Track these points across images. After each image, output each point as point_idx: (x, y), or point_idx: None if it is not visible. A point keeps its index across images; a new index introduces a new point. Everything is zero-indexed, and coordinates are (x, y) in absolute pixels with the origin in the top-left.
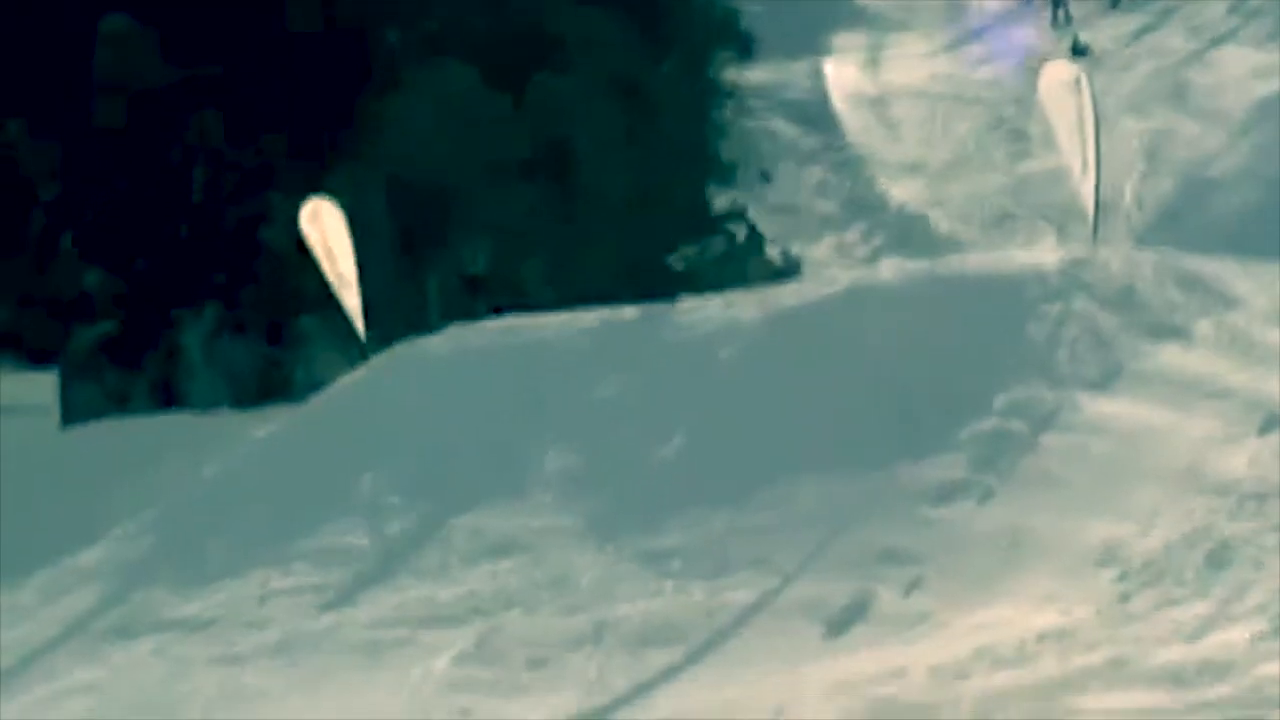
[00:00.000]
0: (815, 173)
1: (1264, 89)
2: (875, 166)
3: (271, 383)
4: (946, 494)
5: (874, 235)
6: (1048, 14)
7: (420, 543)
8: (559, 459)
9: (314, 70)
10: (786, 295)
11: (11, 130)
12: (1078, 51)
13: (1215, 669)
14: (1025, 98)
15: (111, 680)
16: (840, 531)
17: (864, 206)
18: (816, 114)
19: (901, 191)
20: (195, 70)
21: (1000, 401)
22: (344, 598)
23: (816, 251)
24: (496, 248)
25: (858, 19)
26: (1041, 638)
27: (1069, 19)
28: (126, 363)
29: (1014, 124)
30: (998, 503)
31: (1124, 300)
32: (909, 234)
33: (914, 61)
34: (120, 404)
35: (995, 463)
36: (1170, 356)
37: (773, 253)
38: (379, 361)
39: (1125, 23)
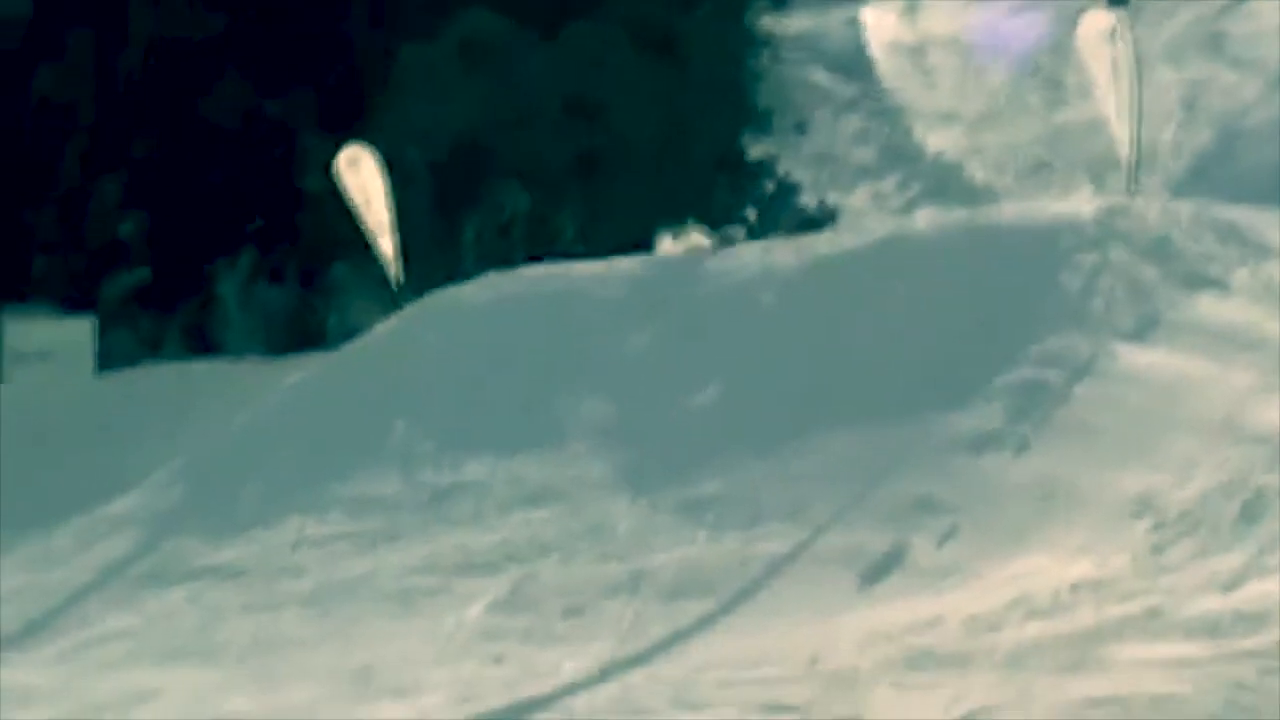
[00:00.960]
0: (851, 122)
1: None
2: (911, 116)
3: (306, 330)
4: (981, 444)
5: (910, 184)
6: None
7: (454, 491)
8: (594, 407)
9: (347, 18)
10: (822, 244)
11: (45, 77)
12: (1115, 0)
13: (1251, 619)
14: (1062, 46)
15: (145, 627)
16: (875, 481)
17: (900, 156)
18: (853, 63)
19: (938, 140)
20: (229, 19)
21: (1035, 351)
22: (377, 545)
23: (852, 200)
24: (531, 196)
25: None
26: (1076, 588)
27: None
28: (161, 309)
29: (1050, 73)
30: (1033, 453)
31: (1160, 250)
32: (945, 183)
33: (951, 9)
34: (154, 350)
35: (1030, 413)
36: (1207, 306)
37: (808, 202)
38: (413, 309)
39: None
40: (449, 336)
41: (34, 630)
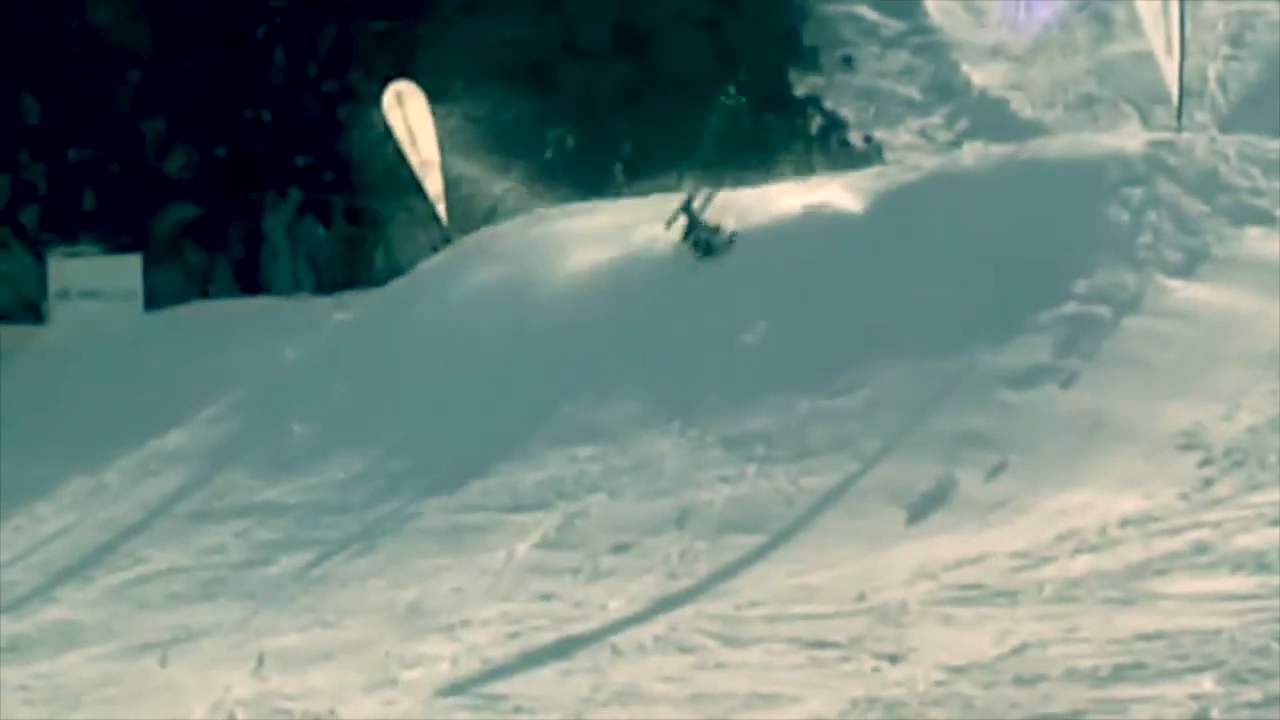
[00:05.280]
0: (898, 57)
1: None
2: (958, 50)
3: (353, 267)
4: (1029, 378)
5: (957, 120)
6: None
7: (503, 428)
8: (641, 345)
9: None
10: (869, 180)
11: (98, 14)
12: None
13: None
14: None
15: (194, 564)
16: (922, 416)
17: (947, 90)
18: None
19: (984, 75)
20: None
21: (1083, 286)
22: (426, 483)
23: (899, 136)
24: (579, 132)
25: None
26: (1124, 522)
27: None
28: (210, 246)
29: (1098, 7)
30: (1080, 387)
31: (1208, 184)
32: (992, 118)
33: None
34: (203, 287)
35: (1078, 347)
36: (1254, 241)
37: (855, 138)
38: (459, 246)
39: None
40: (495, 274)
41: (84, 567)
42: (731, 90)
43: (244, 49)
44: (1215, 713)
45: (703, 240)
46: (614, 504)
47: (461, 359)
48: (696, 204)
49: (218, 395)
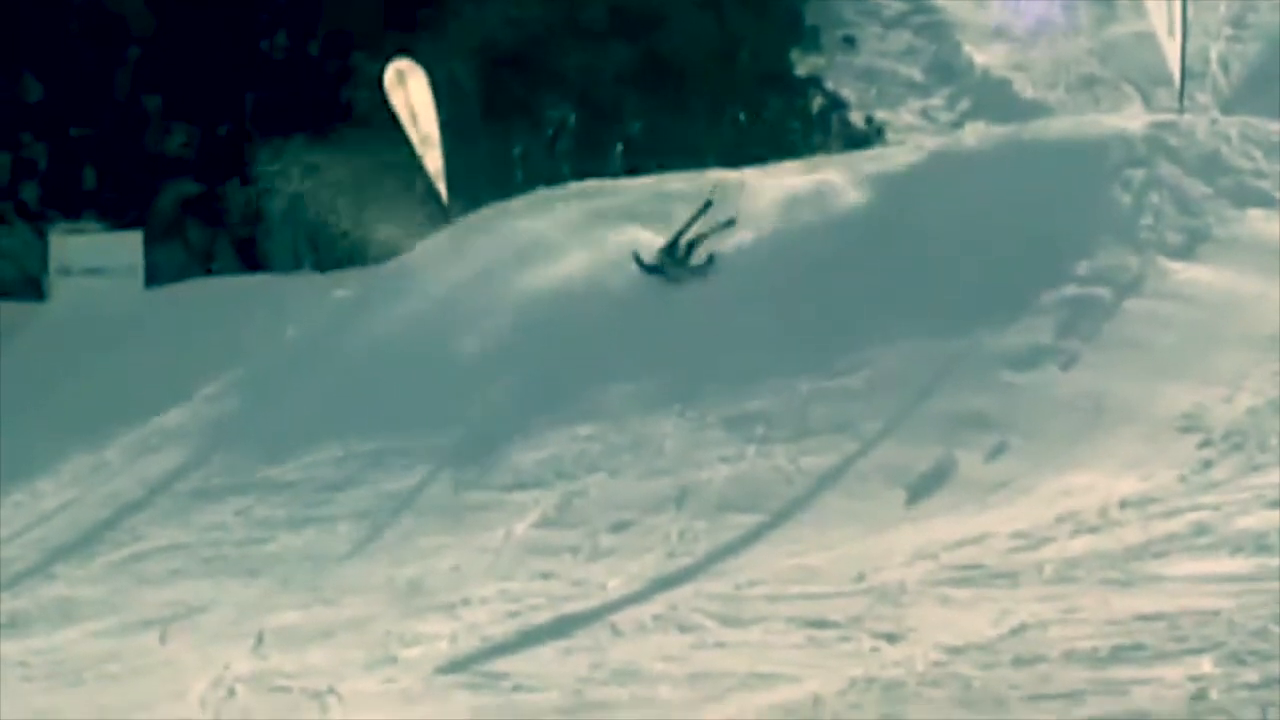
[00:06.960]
0: (900, 37)
1: None
2: (960, 31)
3: (354, 244)
4: (1030, 359)
5: (959, 100)
6: None
7: (503, 407)
8: (643, 324)
9: None
10: (870, 161)
11: None
12: None
13: None
14: None
15: (194, 541)
16: (923, 397)
17: (949, 71)
18: None
19: (986, 56)
20: None
21: (1084, 267)
22: (426, 461)
23: (901, 117)
24: (581, 112)
25: None
26: (1124, 504)
27: None
28: (210, 223)
29: None
30: (1081, 368)
31: (1209, 166)
32: (994, 99)
33: None
34: (204, 264)
35: (1079, 328)
36: (1255, 223)
37: (857, 118)
38: (460, 224)
39: None
40: (495, 252)
41: (85, 543)
42: (740, 116)
43: (246, 28)
44: (1214, 694)
45: (670, 271)
46: (613, 483)
47: (462, 337)
48: (690, 234)
49: (218, 372)
